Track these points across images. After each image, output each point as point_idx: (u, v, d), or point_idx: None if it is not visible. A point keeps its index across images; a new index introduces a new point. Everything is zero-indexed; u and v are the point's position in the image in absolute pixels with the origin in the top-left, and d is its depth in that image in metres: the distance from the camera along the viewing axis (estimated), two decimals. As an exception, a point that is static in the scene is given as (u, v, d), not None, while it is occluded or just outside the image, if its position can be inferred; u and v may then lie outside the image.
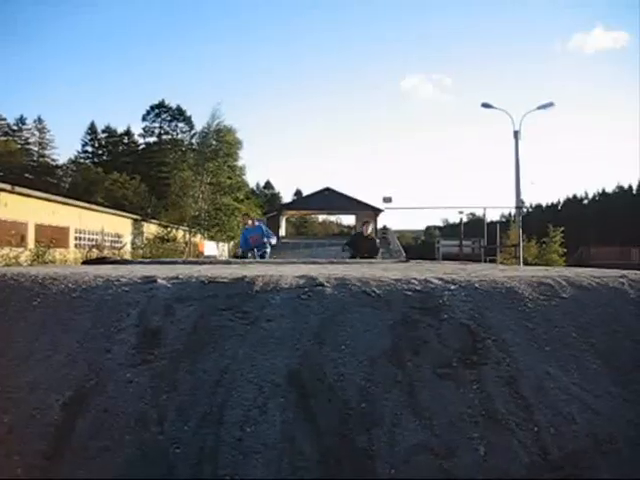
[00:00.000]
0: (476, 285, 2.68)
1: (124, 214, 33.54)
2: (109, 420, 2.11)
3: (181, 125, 70.91)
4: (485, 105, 25.54)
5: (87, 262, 9.53)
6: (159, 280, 2.79)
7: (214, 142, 40.09)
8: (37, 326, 2.53)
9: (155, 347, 2.35)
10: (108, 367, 2.29)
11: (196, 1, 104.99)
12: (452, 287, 2.65)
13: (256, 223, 13.40)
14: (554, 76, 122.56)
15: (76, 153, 72.83)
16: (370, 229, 12.15)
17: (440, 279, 2.77)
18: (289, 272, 3.08)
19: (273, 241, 12.99)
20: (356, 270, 3.59)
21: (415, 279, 2.75)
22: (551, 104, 25.24)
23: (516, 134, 24.35)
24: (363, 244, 11.44)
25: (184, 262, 7.28)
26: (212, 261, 8.27)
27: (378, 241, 12.64)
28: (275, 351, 2.31)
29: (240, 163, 43.60)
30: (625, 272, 3.16)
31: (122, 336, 2.42)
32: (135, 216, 34.61)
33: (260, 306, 2.53)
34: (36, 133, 72.82)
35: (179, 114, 71.30)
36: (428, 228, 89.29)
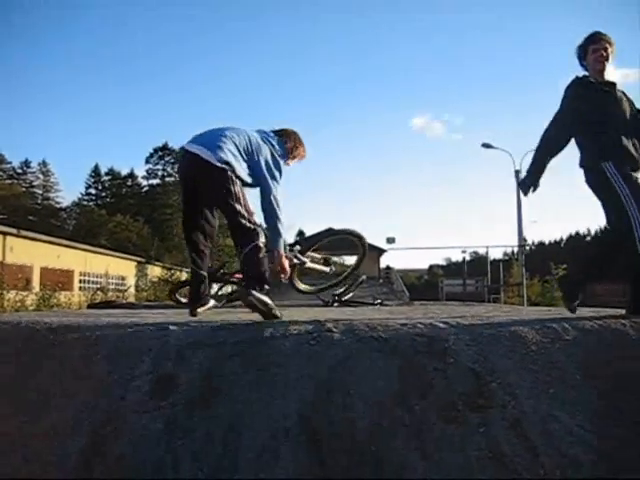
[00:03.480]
0: (481, 329, 2.74)
1: (128, 257, 33.61)
2: (125, 466, 2.17)
3: (184, 167, 71.30)
4: (485, 145, 25.78)
5: (93, 306, 9.64)
6: (171, 327, 2.86)
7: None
8: (53, 375, 2.60)
9: (169, 394, 2.42)
10: (123, 414, 2.36)
11: (197, 43, 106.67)
12: (457, 331, 2.71)
13: None
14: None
15: (80, 195, 73.27)
16: None
17: (445, 322, 2.84)
18: (297, 316, 3.15)
19: None
20: (363, 314, 3.66)
21: (421, 323, 2.82)
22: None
23: (517, 173, 24.50)
24: None
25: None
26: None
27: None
28: (286, 396, 2.37)
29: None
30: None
31: (136, 383, 2.49)
32: (139, 258, 34.67)
33: (270, 352, 2.60)
34: (40, 176, 73.35)
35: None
36: (431, 267, 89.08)
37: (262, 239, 3.32)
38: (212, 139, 3.45)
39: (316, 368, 2.49)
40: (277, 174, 3.67)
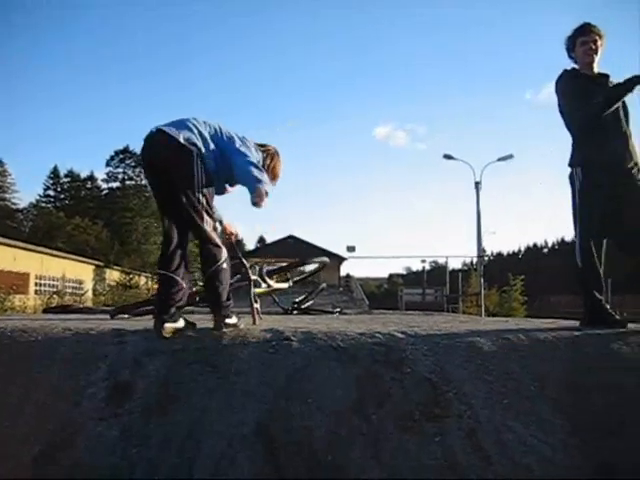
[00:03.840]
0: (438, 339, 2.78)
1: (86, 260, 33.13)
2: (80, 474, 2.14)
3: (145, 171, 70.60)
4: (447, 157, 26.03)
5: (48, 310, 9.45)
6: (127, 334, 2.84)
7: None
8: (6, 379, 2.55)
9: (125, 401, 2.39)
10: (78, 421, 2.32)
11: (194, 41, 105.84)
12: (415, 341, 2.75)
13: None
14: (519, 127, 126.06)
15: (38, 197, 71.94)
16: None
17: (403, 332, 2.87)
18: (252, 327, 3.14)
19: None
20: (322, 322, 3.67)
21: (379, 332, 2.84)
22: (511, 156, 25.85)
23: (477, 185, 24.85)
24: None
25: (147, 311, 7.29)
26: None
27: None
28: (244, 404, 2.36)
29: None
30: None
31: (92, 390, 2.46)
32: (97, 262, 34.20)
33: (229, 360, 2.59)
34: (-4, 176, 71.88)
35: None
36: (391, 276, 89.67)
37: (224, 255, 3.03)
38: (180, 122, 3.17)
39: (275, 376, 2.49)
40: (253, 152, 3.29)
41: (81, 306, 10.90)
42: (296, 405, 2.36)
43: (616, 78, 3.40)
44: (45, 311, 9.66)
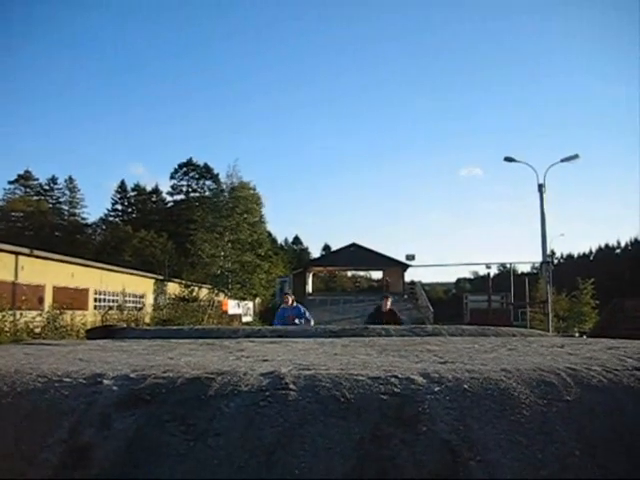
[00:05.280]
0: (465, 386, 2.29)
1: (146, 274, 33.45)
2: None
3: (208, 183, 71.63)
4: (508, 159, 25.09)
5: (91, 331, 9.29)
6: (105, 381, 2.46)
7: (229, 200, 40.74)
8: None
9: (77, 469, 2.01)
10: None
11: (224, 60, 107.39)
12: (437, 389, 2.27)
13: (294, 304, 12.30)
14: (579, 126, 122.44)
15: (106, 211, 73.95)
16: (389, 303, 12.51)
17: (426, 376, 2.40)
18: (257, 366, 2.72)
19: (311, 322, 11.73)
20: (347, 357, 3.24)
21: (396, 377, 2.38)
22: (576, 156, 24.73)
23: (540, 187, 23.82)
24: (384, 318, 11.44)
25: (190, 330, 7.02)
26: (220, 328, 7.95)
27: (398, 312, 13.07)
28: (217, 474, 1.95)
29: (259, 218, 44.22)
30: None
31: (45, 455, 2.08)
32: (157, 276, 34.49)
33: (210, 416, 2.18)
34: (67, 192, 74.24)
35: (206, 172, 72.17)
36: (459, 280, 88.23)
37: None
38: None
39: (261, 438, 2.06)
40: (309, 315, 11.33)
41: (124, 326, 10.74)
42: (280, 477, 1.92)
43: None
44: (88, 332, 9.51)
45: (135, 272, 31.80)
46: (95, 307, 25.54)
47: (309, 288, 52.48)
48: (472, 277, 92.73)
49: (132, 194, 75.29)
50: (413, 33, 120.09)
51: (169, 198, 74.70)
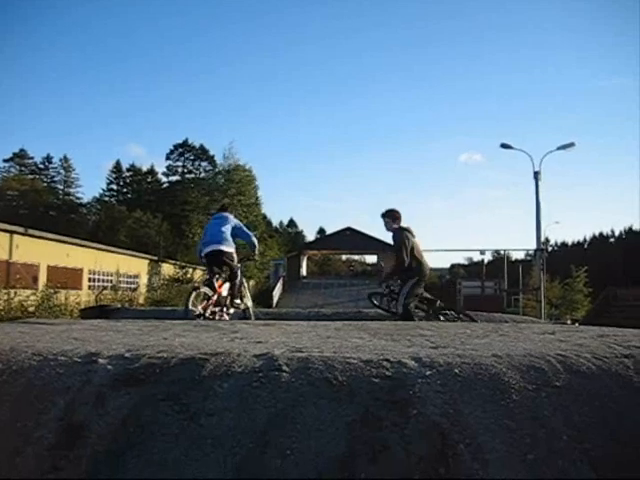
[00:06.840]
0: (456, 370, 2.32)
1: (141, 255, 33.39)
2: None
3: (204, 164, 71.27)
4: (504, 146, 25.10)
5: (85, 310, 9.37)
6: (100, 360, 2.48)
7: (222, 181, 40.47)
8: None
9: (73, 448, 2.03)
10: (14, 476, 1.97)
11: (221, 42, 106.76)
12: (428, 372, 2.30)
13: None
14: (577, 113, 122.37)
15: (101, 191, 73.55)
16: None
17: (417, 359, 2.42)
18: (251, 348, 2.75)
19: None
20: (337, 340, 3.26)
21: (388, 361, 2.41)
22: (572, 144, 24.74)
23: (536, 175, 23.84)
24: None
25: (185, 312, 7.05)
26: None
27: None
28: (210, 455, 1.97)
29: (254, 200, 43.92)
30: (635, 343, 2.80)
31: (40, 433, 2.10)
32: (152, 257, 34.42)
33: (203, 396, 2.20)
34: (62, 172, 73.81)
35: (202, 153, 71.79)
36: (453, 266, 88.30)
37: None
38: (221, 238, 7.97)
39: (254, 418, 2.09)
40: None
41: (118, 306, 10.82)
42: (271, 458, 1.95)
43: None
44: (82, 311, 9.56)
45: (129, 252, 31.71)
46: (89, 287, 25.52)
47: (303, 271, 52.45)
48: (466, 263, 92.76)
49: (127, 174, 74.98)
50: (414, 19, 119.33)
51: (164, 179, 74.36)
